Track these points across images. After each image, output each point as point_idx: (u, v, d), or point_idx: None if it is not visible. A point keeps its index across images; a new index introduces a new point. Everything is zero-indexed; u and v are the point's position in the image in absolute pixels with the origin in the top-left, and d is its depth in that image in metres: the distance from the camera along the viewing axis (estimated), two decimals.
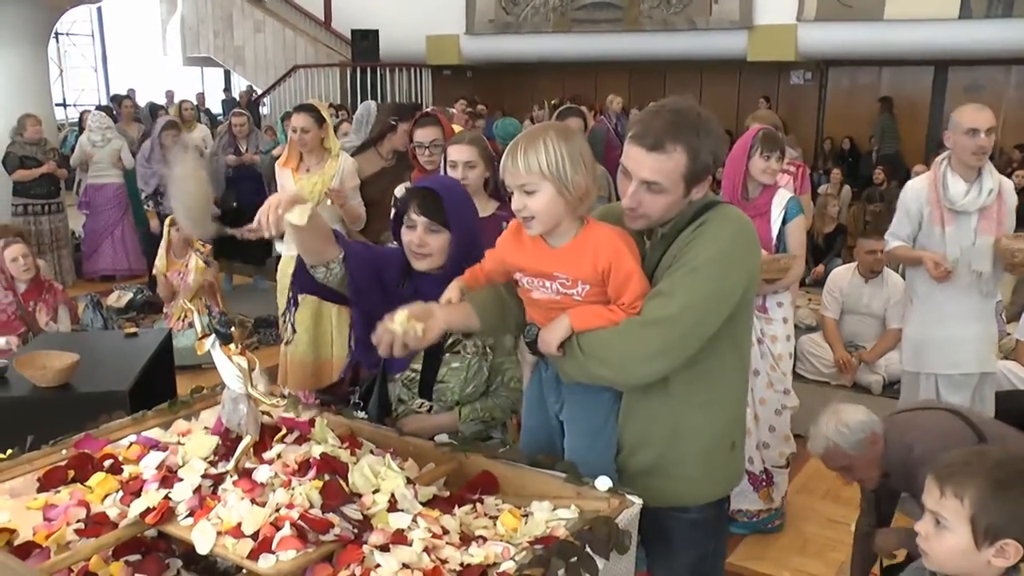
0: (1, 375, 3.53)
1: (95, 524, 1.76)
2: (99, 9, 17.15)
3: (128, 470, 1.92)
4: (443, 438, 2.00)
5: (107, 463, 1.99)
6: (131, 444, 2.05)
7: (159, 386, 3.81)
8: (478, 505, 1.78)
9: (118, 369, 3.60)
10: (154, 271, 6.29)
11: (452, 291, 1.97)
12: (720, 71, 13.60)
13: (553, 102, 10.83)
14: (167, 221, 6.15)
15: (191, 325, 5.91)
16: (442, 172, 3.23)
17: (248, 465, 1.70)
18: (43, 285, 5.38)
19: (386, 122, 4.90)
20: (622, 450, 1.94)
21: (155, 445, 2.02)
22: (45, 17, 8.13)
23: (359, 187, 4.64)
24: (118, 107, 9.70)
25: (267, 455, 1.71)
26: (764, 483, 3.75)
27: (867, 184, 10.77)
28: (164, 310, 6.24)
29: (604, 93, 11.68)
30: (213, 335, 1.66)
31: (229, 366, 1.65)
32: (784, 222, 3.64)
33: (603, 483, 1.74)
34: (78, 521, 1.78)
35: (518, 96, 14.55)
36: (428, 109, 5.35)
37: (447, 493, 1.81)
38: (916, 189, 3.65)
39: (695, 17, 12.33)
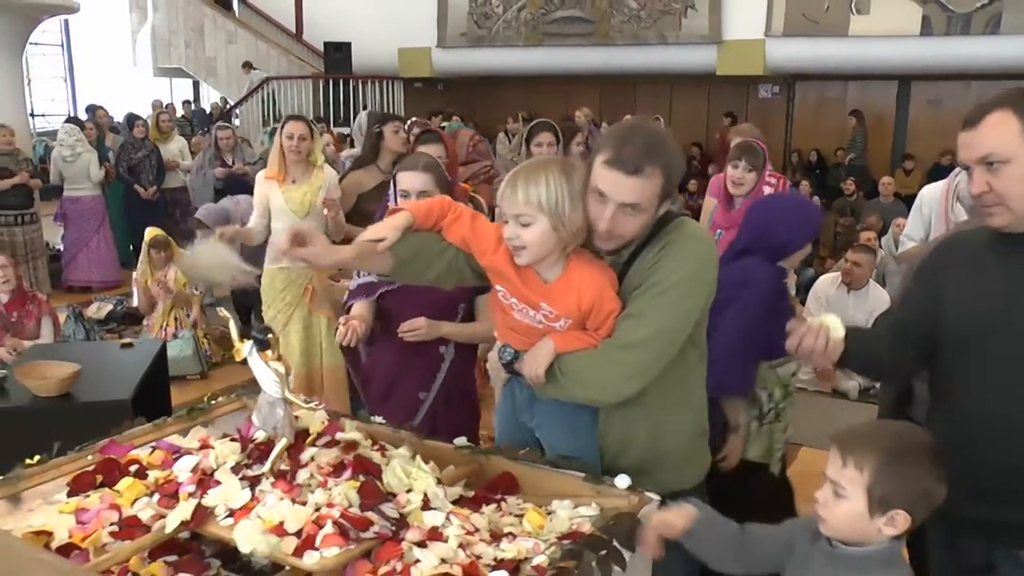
0: (1, 386, 3.54)
1: (128, 527, 1.82)
2: (66, 20, 17.00)
3: (153, 475, 1.99)
4: (462, 441, 2.07)
5: (133, 468, 2.05)
6: (154, 450, 2.12)
7: (155, 396, 3.85)
8: (502, 504, 1.86)
9: (118, 379, 3.64)
10: (133, 282, 6.28)
11: (389, 231, 1.95)
12: (690, 85, 13.83)
13: (523, 115, 10.95)
14: (147, 234, 6.16)
15: (175, 336, 5.95)
16: (391, 203, 2.73)
17: (282, 467, 1.77)
18: (26, 296, 5.38)
19: (371, 134, 4.97)
20: (606, 454, 2.03)
21: (177, 451, 2.09)
22: (20, 27, 8.11)
23: (359, 200, 4.71)
24: (93, 117, 9.66)
25: (302, 457, 1.77)
26: None
27: (836, 195, 11.02)
28: (144, 321, 6.24)
29: (575, 106, 11.82)
30: (251, 341, 1.73)
31: (267, 371, 1.72)
32: None
33: (623, 481, 1.83)
34: (111, 524, 1.83)
35: (489, 108, 14.68)
36: (430, 126, 5.38)
37: (472, 493, 1.89)
38: (931, 195, 3.76)
39: (665, 31, 12.53)
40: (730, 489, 2.43)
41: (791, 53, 11.93)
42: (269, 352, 1.72)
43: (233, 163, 7.75)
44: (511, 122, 10.71)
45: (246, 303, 6.16)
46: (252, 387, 1.90)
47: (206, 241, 4.99)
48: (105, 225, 8.36)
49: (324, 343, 4.80)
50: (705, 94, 14.04)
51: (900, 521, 1.60)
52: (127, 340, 4.56)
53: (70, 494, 1.98)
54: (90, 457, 2.12)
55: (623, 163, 1.83)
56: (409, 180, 2.70)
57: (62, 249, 8.45)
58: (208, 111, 13.41)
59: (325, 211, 4.53)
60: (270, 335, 1.71)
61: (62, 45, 18.77)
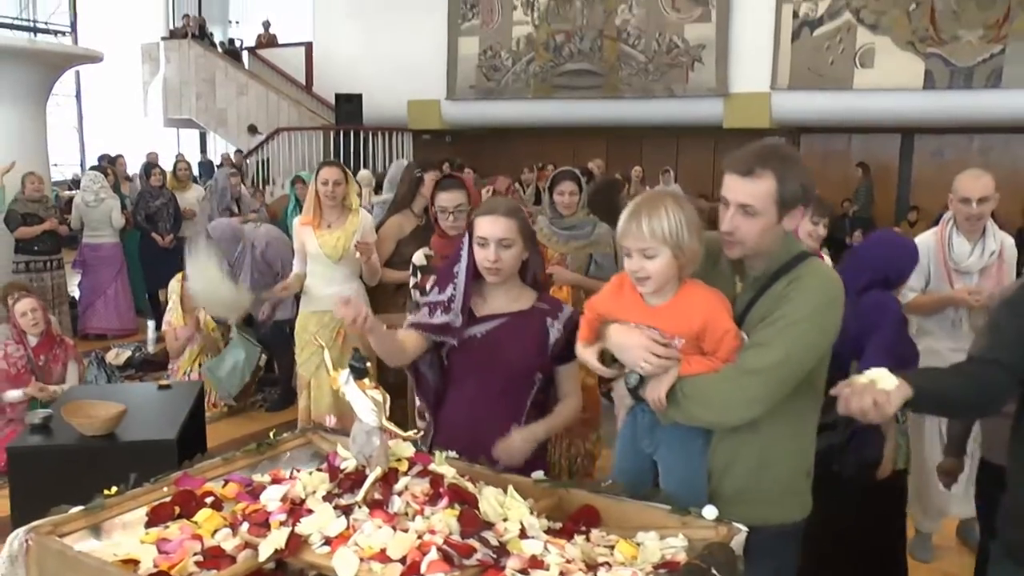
0: (46, 424, 3.55)
1: (213, 557, 1.83)
2: (77, 70, 17.24)
3: (228, 507, 2.00)
4: (540, 475, 2.08)
5: (209, 500, 2.06)
6: (226, 483, 2.13)
7: (192, 436, 3.85)
8: (589, 536, 1.86)
9: (161, 419, 3.65)
10: (164, 325, 6.30)
11: None
12: (697, 137, 14.00)
13: (539, 166, 11.12)
14: (177, 279, 6.20)
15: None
16: (466, 248, 2.50)
17: (376, 496, 1.78)
18: (54, 340, 5.39)
19: (412, 178, 5.02)
20: (711, 477, 2.07)
21: (250, 484, 2.10)
22: (46, 76, 8.23)
23: (399, 245, 4.73)
24: (111, 167, 9.75)
25: (396, 487, 1.78)
26: None
27: (841, 247, 11.10)
28: (169, 365, 6.25)
29: (582, 157, 11.96)
30: (347, 371, 1.75)
31: (364, 400, 1.74)
32: None
33: (710, 512, 1.84)
34: (195, 554, 1.84)
35: (497, 159, 14.81)
36: (452, 171, 5.42)
37: (558, 525, 1.89)
38: (925, 244, 3.83)
39: (673, 85, 12.74)
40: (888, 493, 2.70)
41: (796, 106, 12.13)
42: (366, 380, 1.74)
43: (240, 211, 7.85)
44: (526, 172, 10.83)
45: (273, 343, 6.20)
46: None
47: (199, 263, 5.07)
48: (123, 272, 8.40)
49: None
50: (711, 146, 14.19)
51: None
52: (165, 382, 4.56)
53: (148, 524, 1.99)
54: (165, 489, 2.13)
55: (736, 165, 2.00)
56: (488, 227, 2.44)
57: (78, 296, 8.47)
58: (219, 162, 13.51)
59: (357, 255, 4.56)
60: (367, 364, 1.73)
61: (76, 96, 19.03)
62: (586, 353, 2.11)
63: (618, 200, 5.60)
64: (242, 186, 8.31)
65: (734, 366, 1.95)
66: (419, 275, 3.68)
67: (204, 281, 5.07)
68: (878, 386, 1.85)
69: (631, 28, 12.93)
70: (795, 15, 11.80)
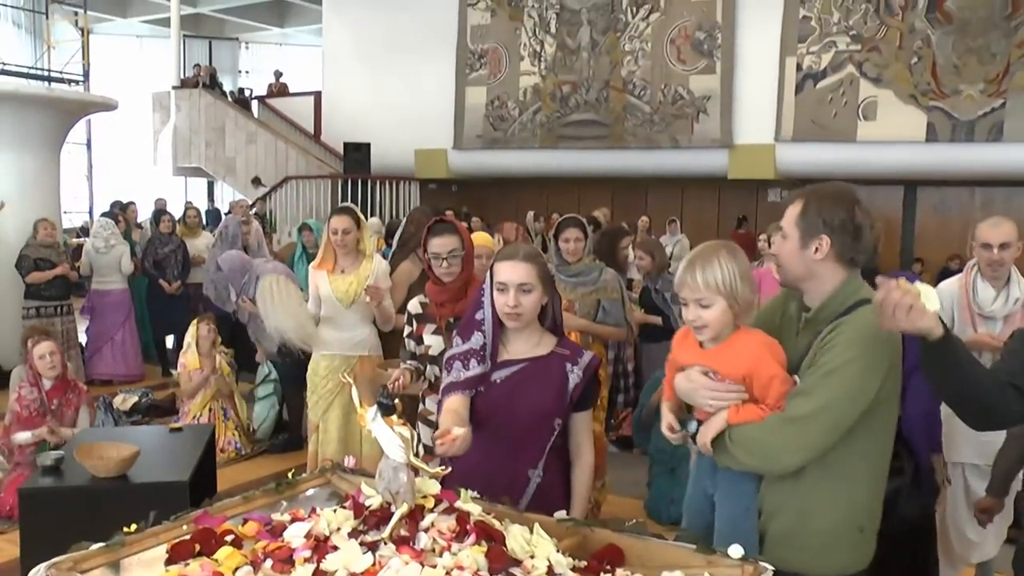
0: (57, 466, 3.54)
1: None
2: (89, 119, 17.48)
3: (248, 546, 1.99)
4: (562, 514, 2.08)
5: (229, 538, 2.05)
6: (246, 521, 2.13)
7: (204, 479, 3.84)
8: (615, 574, 1.85)
9: (173, 461, 3.64)
10: (179, 367, 6.31)
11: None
12: (701, 188, 14.12)
13: (545, 215, 11.22)
14: (195, 322, 6.23)
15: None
16: (488, 295, 2.48)
17: (402, 532, 1.78)
18: (68, 384, 5.40)
19: (420, 220, 5.04)
20: (761, 519, 2.14)
21: (269, 523, 2.10)
22: (62, 123, 8.35)
23: (410, 290, 4.73)
24: (123, 214, 9.84)
25: (422, 523, 1.78)
26: None
27: None
28: (180, 409, 6.25)
29: (588, 207, 12.04)
30: (375, 407, 1.76)
31: (391, 436, 1.74)
32: None
33: (736, 551, 1.83)
34: None
35: (502, 208, 14.93)
36: (444, 216, 5.41)
37: (583, 564, 1.88)
38: (949, 290, 3.85)
39: (678, 135, 12.86)
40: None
41: (800, 158, 12.22)
42: (394, 417, 1.75)
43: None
44: (533, 220, 10.90)
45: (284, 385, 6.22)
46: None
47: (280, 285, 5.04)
48: (131, 319, 8.44)
49: (363, 432, 4.78)
50: (716, 197, 14.31)
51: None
52: (176, 425, 4.56)
53: (168, 562, 1.98)
54: (185, 527, 2.13)
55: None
56: (508, 272, 2.42)
57: (85, 343, 8.49)
58: (228, 210, 13.61)
59: (367, 299, 4.58)
60: (395, 400, 1.74)
61: (87, 144, 19.25)
62: (665, 414, 2.22)
63: (619, 248, 5.66)
64: (252, 234, 8.32)
65: (778, 414, 2.03)
66: (415, 324, 3.56)
67: (283, 308, 5.04)
68: (921, 299, 1.84)
69: (637, 79, 13.10)
70: (799, 68, 11.95)
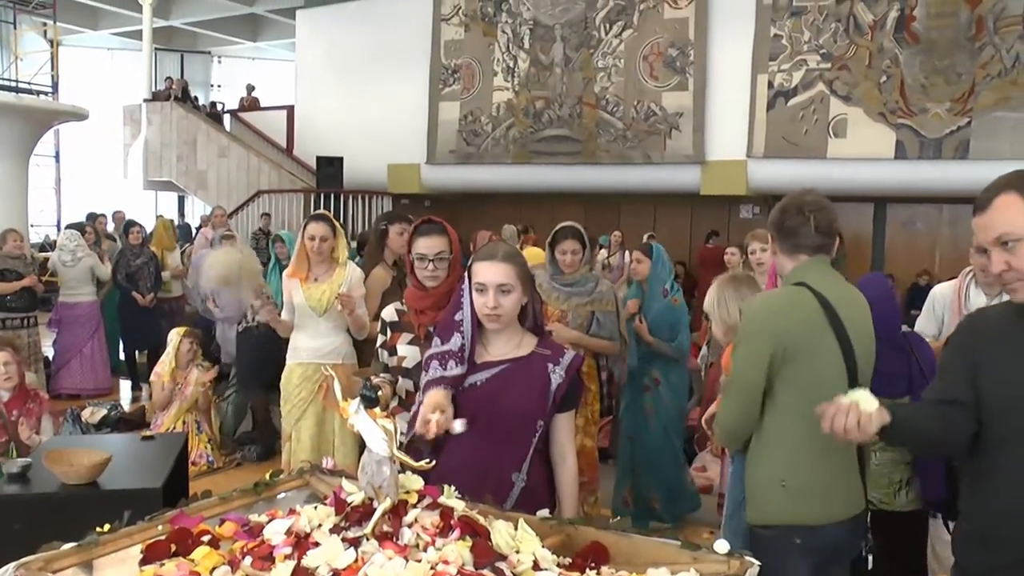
0: (23, 474, 3.46)
1: None
2: (57, 130, 17.27)
3: (225, 546, 1.95)
4: (544, 513, 2.06)
5: (206, 538, 2.01)
6: (223, 522, 2.09)
7: (176, 487, 3.77)
8: (600, 573, 1.83)
9: (145, 468, 3.57)
10: (153, 376, 6.23)
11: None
12: (674, 204, 14.19)
13: (519, 227, 11.22)
14: (180, 331, 6.16)
15: None
16: (466, 296, 2.44)
17: (385, 528, 1.75)
18: (28, 394, 5.27)
19: (378, 230, 5.01)
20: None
21: (246, 523, 2.06)
22: (31, 133, 8.24)
23: (384, 296, 4.69)
24: (93, 225, 9.70)
25: (406, 519, 1.75)
26: None
27: None
28: (153, 422, 6.15)
29: (559, 222, 12.04)
30: (358, 399, 1.73)
31: (375, 429, 1.72)
32: None
33: (722, 546, 1.82)
34: None
35: (474, 223, 14.86)
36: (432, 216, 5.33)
37: (568, 561, 1.87)
38: (942, 293, 3.89)
39: (651, 152, 12.92)
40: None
41: (772, 174, 12.31)
42: (377, 410, 1.72)
43: None
44: (507, 230, 10.89)
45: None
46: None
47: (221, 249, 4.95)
48: (100, 331, 8.32)
49: (336, 440, 4.76)
50: (688, 213, 14.39)
51: None
52: (149, 433, 4.49)
53: (143, 562, 1.95)
54: (160, 528, 2.09)
55: None
56: (487, 272, 2.39)
57: (52, 356, 8.35)
58: (199, 224, 13.48)
59: (339, 307, 4.54)
60: (378, 392, 1.71)
61: (55, 156, 19.02)
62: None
63: (592, 260, 5.61)
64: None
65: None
66: (389, 333, 3.28)
67: (222, 264, 4.93)
68: (860, 407, 1.93)
69: (609, 96, 13.17)
70: (770, 85, 12.07)
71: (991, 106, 10.83)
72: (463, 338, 2.43)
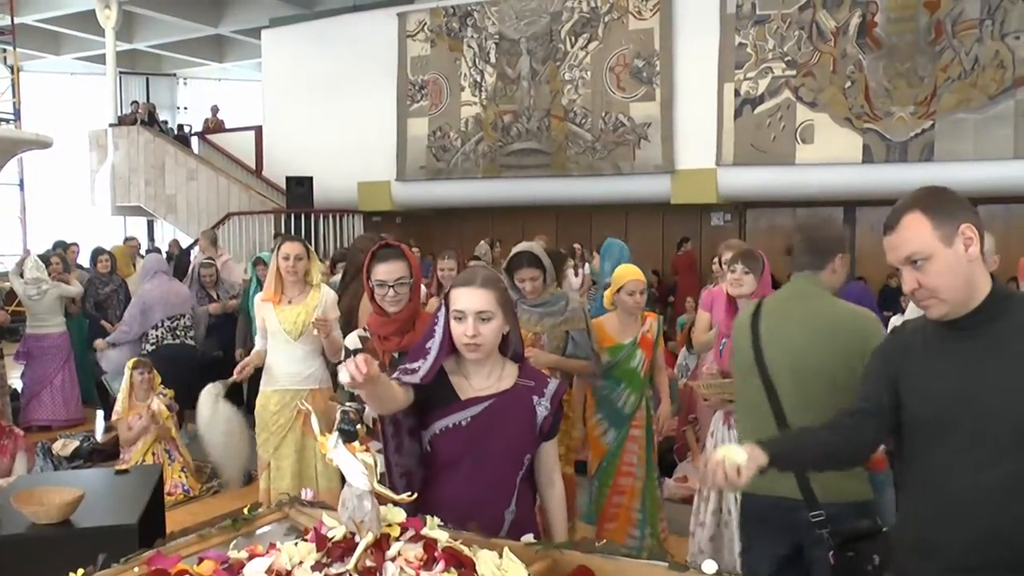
0: None
1: None
2: (21, 158, 17.04)
3: None
4: (529, 538, 2.03)
5: None
6: (201, 560, 2.04)
7: (152, 521, 3.70)
8: None
9: (120, 504, 3.50)
10: (113, 416, 6.11)
11: None
12: (645, 213, 14.24)
13: (490, 241, 11.19)
14: (130, 363, 6.04)
15: None
16: (441, 323, 2.31)
17: (368, 563, 1.71)
18: (2, 430, 5.19)
19: (356, 252, 4.98)
20: None
21: (226, 561, 2.01)
22: None
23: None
24: (64, 253, 9.54)
25: (389, 552, 1.72)
26: None
27: None
28: (122, 456, 6.04)
29: (531, 235, 12.00)
30: (336, 434, 1.70)
31: (354, 463, 1.69)
32: None
33: (710, 567, 1.81)
34: None
35: (446, 239, 14.87)
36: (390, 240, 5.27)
37: None
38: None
39: (620, 162, 12.97)
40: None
41: (741, 181, 12.41)
42: (356, 444, 1.69)
43: (218, 296, 7.73)
44: (483, 245, 10.85)
45: None
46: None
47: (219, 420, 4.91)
48: (70, 362, 8.19)
49: (319, 466, 4.70)
50: (660, 222, 14.45)
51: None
52: (123, 466, 4.40)
53: None
54: (136, 569, 2.03)
55: None
56: (466, 299, 2.26)
57: (21, 388, 8.20)
58: (167, 250, 13.32)
59: (315, 332, 4.49)
60: (357, 426, 1.68)
61: (19, 184, 18.76)
62: None
63: (562, 272, 5.55)
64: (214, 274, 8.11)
65: None
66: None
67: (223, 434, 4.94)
68: (728, 461, 1.97)
69: (577, 107, 13.22)
70: (737, 93, 12.16)
71: (953, 108, 10.99)
72: (423, 362, 2.27)
